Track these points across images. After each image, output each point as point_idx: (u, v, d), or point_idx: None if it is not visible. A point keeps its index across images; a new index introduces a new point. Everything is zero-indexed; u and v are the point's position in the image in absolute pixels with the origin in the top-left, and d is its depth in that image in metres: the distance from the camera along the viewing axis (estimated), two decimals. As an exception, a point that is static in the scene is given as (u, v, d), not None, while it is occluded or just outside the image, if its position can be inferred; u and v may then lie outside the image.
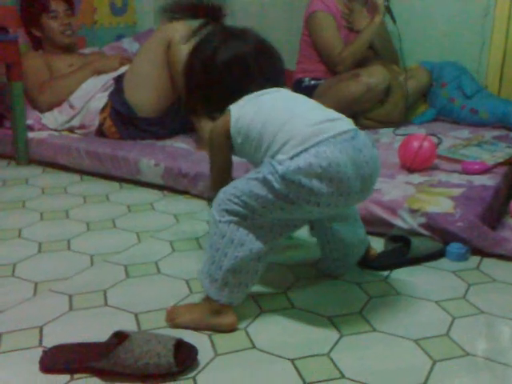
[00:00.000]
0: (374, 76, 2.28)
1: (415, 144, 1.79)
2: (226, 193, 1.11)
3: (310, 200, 1.05)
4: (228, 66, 1.18)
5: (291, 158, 1.04)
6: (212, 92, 1.21)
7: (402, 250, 1.43)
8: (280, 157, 1.06)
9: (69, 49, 2.48)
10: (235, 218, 1.09)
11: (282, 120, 1.08)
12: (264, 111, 1.12)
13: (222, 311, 1.12)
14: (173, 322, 1.14)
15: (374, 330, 1.14)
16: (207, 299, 1.13)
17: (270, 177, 1.05)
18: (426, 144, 1.79)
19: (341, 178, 1.04)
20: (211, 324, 1.12)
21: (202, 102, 1.24)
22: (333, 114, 1.13)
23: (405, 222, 1.53)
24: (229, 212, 1.09)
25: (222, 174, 1.23)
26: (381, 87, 2.31)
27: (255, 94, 1.17)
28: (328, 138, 1.05)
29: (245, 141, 1.14)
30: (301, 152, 1.04)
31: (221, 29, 1.23)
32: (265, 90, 1.17)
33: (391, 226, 1.54)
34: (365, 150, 1.09)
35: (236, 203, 1.09)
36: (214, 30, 1.24)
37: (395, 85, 2.40)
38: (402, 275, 1.37)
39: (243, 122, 1.13)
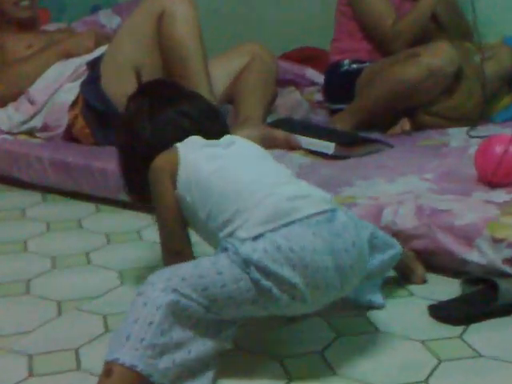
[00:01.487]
0: (439, 56, 2.28)
1: (498, 149, 1.78)
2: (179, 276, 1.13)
3: (284, 290, 1.14)
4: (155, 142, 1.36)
5: (254, 239, 1.15)
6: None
7: (486, 296, 1.43)
8: (240, 233, 1.17)
9: (27, 25, 2.51)
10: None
11: (248, 190, 1.21)
12: (225, 172, 1.25)
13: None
14: None
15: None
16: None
17: (232, 257, 1.14)
18: (512, 149, 1.78)
19: (317, 266, 1.15)
20: None
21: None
22: (306, 188, 1.27)
23: (483, 255, 1.52)
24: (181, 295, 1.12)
25: (175, 232, 1.30)
26: (448, 71, 2.30)
27: (206, 141, 1.33)
28: (301, 218, 1.17)
29: (196, 200, 1.24)
30: (266, 232, 1.15)
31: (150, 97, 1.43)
32: (218, 141, 1.34)
33: (464, 262, 1.53)
34: (345, 235, 1.19)
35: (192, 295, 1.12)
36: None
37: (468, 68, 2.40)
38: (483, 330, 1.36)
39: (196, 174, 1.26)
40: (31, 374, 1.24)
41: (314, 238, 1.15)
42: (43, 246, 1.79)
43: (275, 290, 1.14)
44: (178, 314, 1.11)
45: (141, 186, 1.36)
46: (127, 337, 1.08)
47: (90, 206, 2.06)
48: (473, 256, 1.53)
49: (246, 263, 1.13)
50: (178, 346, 1.12)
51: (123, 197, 2.01)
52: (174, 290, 1.11)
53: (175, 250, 1.31)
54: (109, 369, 1.07)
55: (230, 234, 1.18)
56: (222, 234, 1.21)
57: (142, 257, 1.72)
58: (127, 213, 2.01)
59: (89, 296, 1.52)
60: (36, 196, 2.15)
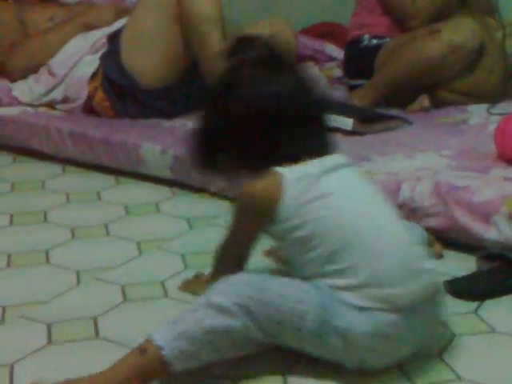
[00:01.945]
0: (460, 32, 2.26)
1: (518, 126, 1.77)
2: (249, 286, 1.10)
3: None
4: (252, 113, 1.18)
5: (361, 309, 1.08)
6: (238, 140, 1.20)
7: (502, 273, 1.43)
8: (348, 297, 1.09)
9: (48, -3, 2.54)
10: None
11: (365, 244, 1.11)
12: (338, 217, 1.13)
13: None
14: None
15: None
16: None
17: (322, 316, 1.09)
18: (532, 126, 1.77)
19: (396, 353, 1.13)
20: None
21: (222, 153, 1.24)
22: (423, 257, 1.17)
23: (500, 232, 1.51)
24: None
25: (235, 261, 1.25)
26: (469, 47, 2.28)
27: (309, 167, 1.16)
28: (415, 305, 1.11)
29: (296, 241, 1.14)
30: (376, 309, 1.09)
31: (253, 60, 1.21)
32: (325, 164, 1.17)
33: (481, 239, 1.53)
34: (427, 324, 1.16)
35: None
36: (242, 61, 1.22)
37: (490, 44, 2.37)
38: (498, 306, 1.36)
39: (306, 206, 1.12)
40: (50, 341, 1.26)
41: (409, 331, 1.12)
42: (63, 217, 1.81)
43: (340, 353, 1.11)
44: (235, 336, 1.09)
45: (216, 162, 1.24)
46: (174, 321, 1.10)
47: (109, 178, 2.07)
48: (490, 233, 1.53)
49: (337, 329, 1.09)
50: (214, 352, 1.10)
51: (142, 169, 2.03)
52: (249, 312, 1.08)
53: (235, 264, 1.25)
54: (145, 347, 1.08)
55: (333, 286, 1.11)
56: (323, 280, 1.12)
57: (160, 228, 1.73)
58: (146, 185, 2.02)
59: (107, 266, 1.53)
60: (56, 168, 2.16)
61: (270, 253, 1.50)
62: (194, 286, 1.39)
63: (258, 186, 1.16)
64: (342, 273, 1.11)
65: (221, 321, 1.08)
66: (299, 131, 1.18)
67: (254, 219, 1.19)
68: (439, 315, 1.19)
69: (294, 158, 1.17)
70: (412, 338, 1.13)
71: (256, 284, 1.11)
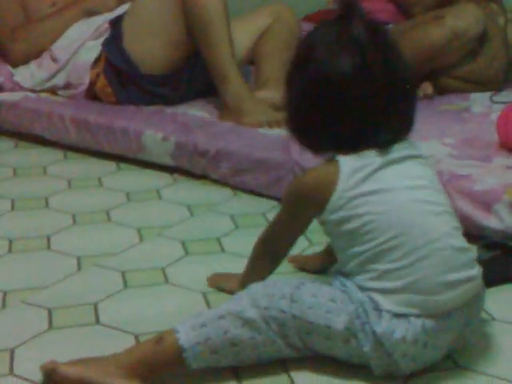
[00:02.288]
0: (463, 18, 2.25)
1: (520, 114, 1.77)
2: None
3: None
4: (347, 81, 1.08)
5: (397, 316, 1.06)
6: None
7: (503, 261, 1.42)
8: (381, 300, 1.06)
9: (50, -18, 2.52)
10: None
11: (412, 246, 1.06)
12: (392, 215, 1.07)
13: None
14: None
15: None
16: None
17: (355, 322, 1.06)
18: (535, 114, 1.76)
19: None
20: None
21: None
22: (471, 265, 1.13)
23: (501, 221, 1.51)
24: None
25: (273, 258, 1.24)
26: (472, 33, 2.27)
27: (370, 157, 1.09)
28: (455, 311, 1.09)
29: (348, 223, 1.09)
30: (412, 315, 1.06)
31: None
32: (384, 154, 1.10)
33: (482, 227, 1.53)
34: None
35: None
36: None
37: (493, 30, 2.36)
38: (498, 295, 1.36)
39: (359, 199, 1.08)
40: (51, 326, 1.26)
41: (446, 335, 1.10)
42: (64, 203, 1.81)
43: (370, 358, 1.08)
44: (259, 349, 1.09)
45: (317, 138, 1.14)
46: (200, 323, 1.09)
47: (110, 165, 2.07)
48: (491, 221, 1.53)
49: (370, 336, 1.06)
50: (234, 360, 1.10)
51: (143, 156, 2.03)
52: (280, 326, 1.08)
53: (272, 261, 1.25)
54: (163, 337, 1.08)
55: (369, 288, 1.08)
56: (361, 279, 1.09)
57: (161, 215, 1.73)
58: (147, 172, 2.02)
59: (108, 252, 1.54)
60: (58, 153, 2.16)
61: (294, 259, 1.45)
62: (224, 283, 1.36)
63: (312, 174, 1.15)
64: (384, 274, 1.07)
65: (246, 333, 1.08)
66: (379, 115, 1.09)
67: (304, 209, 1.15)
68: (478, 317, 1.16)
69: (362, 145, 1.10)
70: (446, 342, 1.10)
71: (289, 295, 1.09)
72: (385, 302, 1.06)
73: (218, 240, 1.59)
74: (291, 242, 1.24)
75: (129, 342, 1.19)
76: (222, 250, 1.55)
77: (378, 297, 1.07)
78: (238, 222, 1.68)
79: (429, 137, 1.88)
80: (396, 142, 1.13)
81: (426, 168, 1.16)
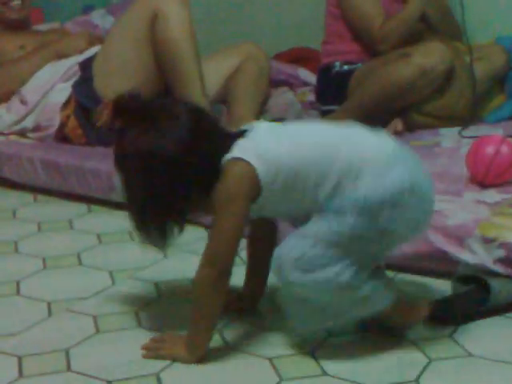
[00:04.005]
0: (430, 55, 2.28)
1: (489, 150, 1.78)
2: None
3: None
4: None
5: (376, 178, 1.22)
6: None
7: (478, 295, 1.43)
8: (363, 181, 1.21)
9: (18, 25, 2.52)
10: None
11: (334, 150, 1.24)
12: (308, 138, 1.27)
13: None
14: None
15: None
16: None
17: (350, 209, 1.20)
18: (504, 149, 1.78)
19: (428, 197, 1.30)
20: None
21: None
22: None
23: (474, 255, 1.52)
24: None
25: (229, 271, 1.25)
26: (439, 70, 2.30)
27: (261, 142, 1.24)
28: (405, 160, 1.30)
29: (287, 183, 1.22)
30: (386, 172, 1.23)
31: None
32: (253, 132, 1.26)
33: (455, 262, 1.54)
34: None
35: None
36: None
37: (459, 68, 2.40)
38: (473, 330, 1.37)
39: (279, 160, 1.21)
40: (21, 374, 1.24)
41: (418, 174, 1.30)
42: (34, 247, 1.79)
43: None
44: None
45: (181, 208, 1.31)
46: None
47: (81, 207, 2.06)
48: (464, 256, 1.53)
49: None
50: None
51: (114, 197, 2.02)
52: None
53: (228, 270, 1.24)
54: None
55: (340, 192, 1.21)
56: (328, 200, 1.21)
57: (134, 257, 1.71)
58: (119, 213, 1.99)
59: (80, 297, 1.52)
60: (27, 196, 2.15)
61: (227, 306, 1.37)
62: (167, 349, 1.28)
63: (229, 175, 1.21)
64: (337, 185, 1.21)
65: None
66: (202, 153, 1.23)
67: (243, 202, 1.21)
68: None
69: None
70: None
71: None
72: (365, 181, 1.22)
73: (190, 281, 1.57)
74: (237, 247, 1.24)
75: (101, 389, 1.17)
76: (196, 291, 1.54)
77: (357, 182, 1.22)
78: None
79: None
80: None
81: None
